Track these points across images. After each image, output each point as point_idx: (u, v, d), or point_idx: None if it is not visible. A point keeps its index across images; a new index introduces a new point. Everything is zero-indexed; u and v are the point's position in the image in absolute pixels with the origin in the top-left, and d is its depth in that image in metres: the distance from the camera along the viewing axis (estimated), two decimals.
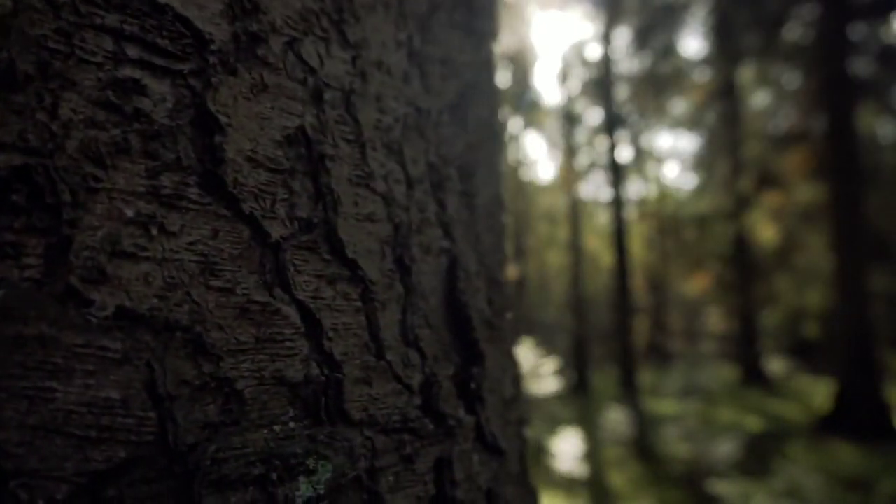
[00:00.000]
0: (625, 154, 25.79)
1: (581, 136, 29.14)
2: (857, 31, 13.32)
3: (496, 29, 0.68)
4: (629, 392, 11.20)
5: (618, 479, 8.10)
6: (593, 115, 19.51)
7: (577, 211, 14.86)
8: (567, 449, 7.69)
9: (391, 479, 0.46)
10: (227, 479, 0.36)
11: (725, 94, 16.16)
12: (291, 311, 0.42)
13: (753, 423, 10.74)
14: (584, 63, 13.83)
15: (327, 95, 0.47)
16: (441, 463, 0.48)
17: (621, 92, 17.17)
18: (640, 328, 25.97)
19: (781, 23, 13.63)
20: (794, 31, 14.30)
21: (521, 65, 18.71)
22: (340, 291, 0.46)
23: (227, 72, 0.40)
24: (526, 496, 0.56)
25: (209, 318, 0.38)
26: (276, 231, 0.42)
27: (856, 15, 11.94)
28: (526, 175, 27.01)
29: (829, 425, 9.84)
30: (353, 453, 0.42)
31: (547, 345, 19.37)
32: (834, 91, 10.83)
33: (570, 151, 15.45)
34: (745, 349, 16.29)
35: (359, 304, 0.47)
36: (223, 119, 0.40)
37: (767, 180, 15.64)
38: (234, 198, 0.40)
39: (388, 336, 0.48)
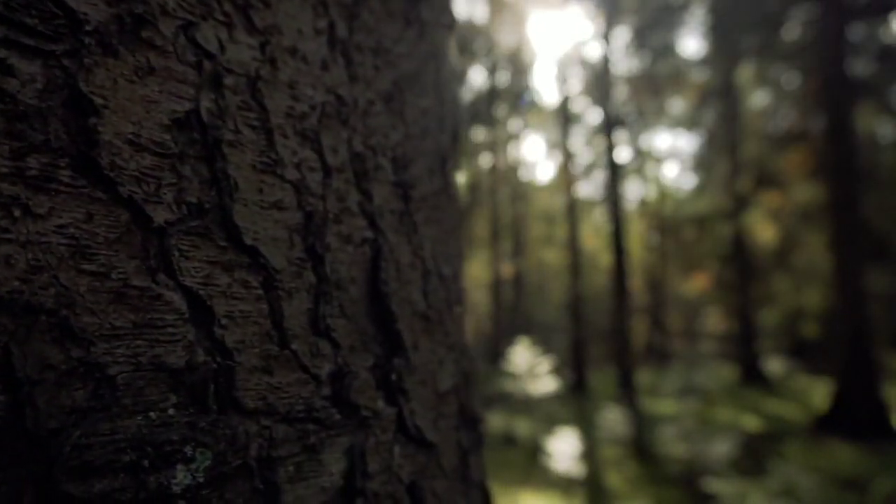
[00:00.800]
0: (624, 154, 25.79)
1: (580, 136, 29.15)
2: (855, 31, 13.31)
3: (448, 19, 0.67)
4: (627, 392, 11.19)
5: (615, 478, 8.09)
6: (592, 115, 19.52)
7: (574, 211, 14.85)
8: (564, 448, 7.68)
9: (291, 468, 0.45)
10: (91, 466, 0.35)
11: (724, 94, 16.15)
12: (175, 297, 0.42)
13: (751, 423, 10.73)
14: (583, 63, 13.82)
15: (228, 80, 0.46)
16: (352, 454, 0.47)
17: (620, 92, 17.17)
18: (639, 328, 25.96)
19: (780, 23, 13.62)
20: (793, 31, 14.30)
21: (519, 64, 18.72)
22: (238, 279, 0.45)
23: (106, 53, 0.40)
24: (466, 492, 0.55)
25: (79, 302, 0.37)
26: (160, 215, 0.41)
27: (854, 15, 11.92)
28: (525, 175, 27.04)
29: (827, 425, 9.83)
30: (235, 441, 0.42)
31: (546, 344, 19.36)
32: (832, 91, 10.81)
33: (569, 151, 15.44)
34: (743, 349, 16.28)
35: (260, 291, 0.46)
36: (98, 101, 0.39)
37: (766, 180, 15.63)
38: (112, 181, 0.39)
39: (293, 325, 0.47)
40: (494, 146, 22.48)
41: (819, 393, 12.80)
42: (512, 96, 19.54)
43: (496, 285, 23.40)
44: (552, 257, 25.03)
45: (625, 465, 8.58)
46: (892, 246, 15.83)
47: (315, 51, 0.52)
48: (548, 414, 11.87)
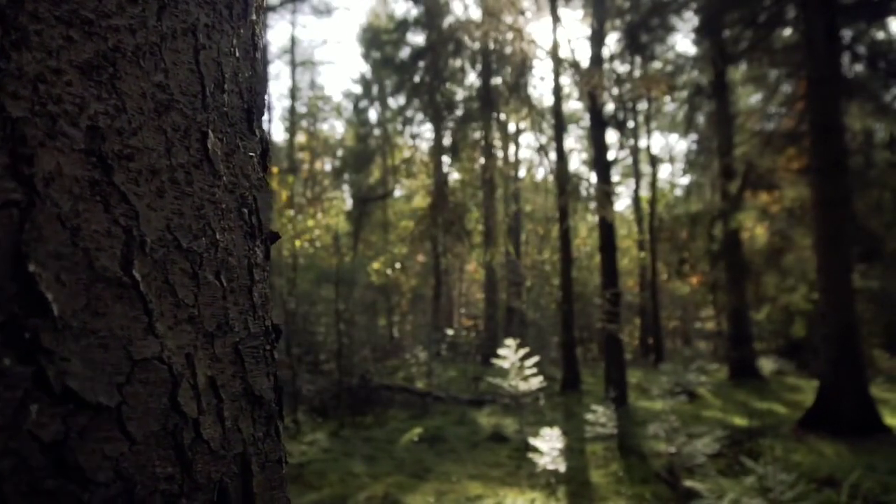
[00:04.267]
0: (618, 154, 25.79)
1: (574, 135, 29.14)
2: (846, 29, 13.32)
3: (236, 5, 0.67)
4: (618, 390, 11.22)
5: (599, 475, 8.13)
6: (585, 115, 19.53)
7: (566, 210, 14.85)
8: (549, 446, 7.71)
9: None
10: None
11: (715, 94, 16.17)
12: None
13: (738, 421, 10.76)
14: (576, 62, 13.84)
15: None
16: None
17: (613, 91, 17.18)
18: (633, 327, 25.96)
19: (770, 21, 13.63)
20: (784, 30, 14.31)
21: (513, 64, 18.74)
22: None
23: None
24: (148, 459, 0.53)
25: None
26: None
27: (843, 13, 11.95)
28: (520, 175, 27.06)
29: (813, 422, 9.86)
30: None
31: (541, 344, 19.40)
32: (821, 90, 10.84)
33: (562, 151, 15.45)
34: (735, 348, 16.30)
35: None
36: None
37: (758, 180, 15.64)
38: None
39: None
40: (488, 146, 22.50)
41: (809, 391, 12.82)
42: (506, 96, 19.56)
43: (490, 285, 23.42)
44: (547, 257, 25.05)
45: (610, 462, 8.62)
46: (885, 245, 15.83)
47: None
48: (537, 412, 11.91)
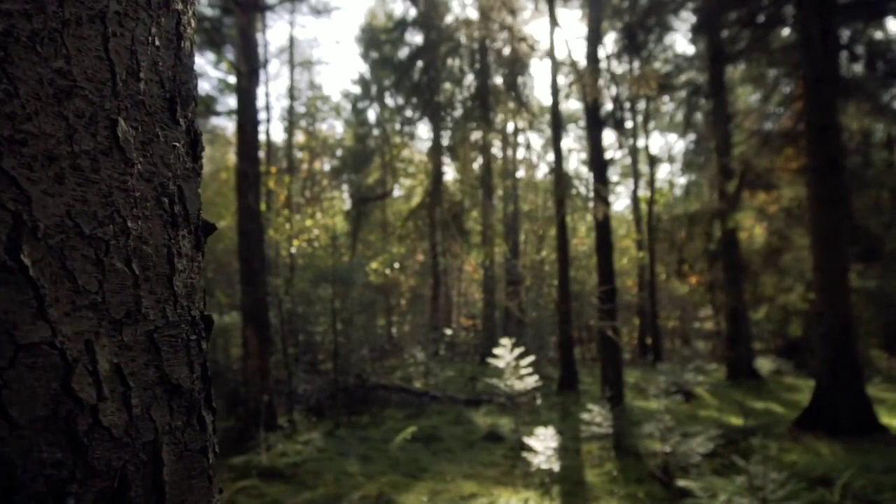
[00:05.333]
0: (616, 154, 25.78)
1: (573, 135, 29.15)
2: (844, 29, 13.31)
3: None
4: (614, 390, 11.21)
5: (593, 474, 8.13)
6: (583, 115, 19.52)
7: (564, 209, 14.85)
8: (544, 445, 7.71)
9: None
10: None
11: (713, 94, 16.16)
12: None
13: (734, 421, 10.74)
14: (573, 62, 13.84)
15: None
16: None
17: (611, 91, 17.18)
18: (631, 327, 25.95)
19: (768, 21, 13.62)
20: (783, 30, 14.29)
21: (510, 64, 18.74)
22: None
23: None
24: (33, 444, 0.52)
25: None
26: None
27: (840, 12, 11.93)
28: (518, 174, 27.07)
29: (809, 422, 9.84)
30: None
31: (539, 342, 19.39)
32: (817, 89, 10.83)
33: (560, 151, 15.45)
34: (733, 348, 16.28)
35: None
36: None
37: (755, 179, 15.62)
38: None
39: None
40: (486, 146, 22.51)
41: (806, 391, 12.80)
42: (503, 96, 19.56)
43: (488, 285, 23.42)
44: (545, 255, 25.04)
45: (605, 462, 8.61)
46: (883, 245, 15.81)
47: None
48: (534, 412, 11.91)
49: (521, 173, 28.46)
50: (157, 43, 0.67)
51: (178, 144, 0.70)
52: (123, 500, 0.56)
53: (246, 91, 10.67)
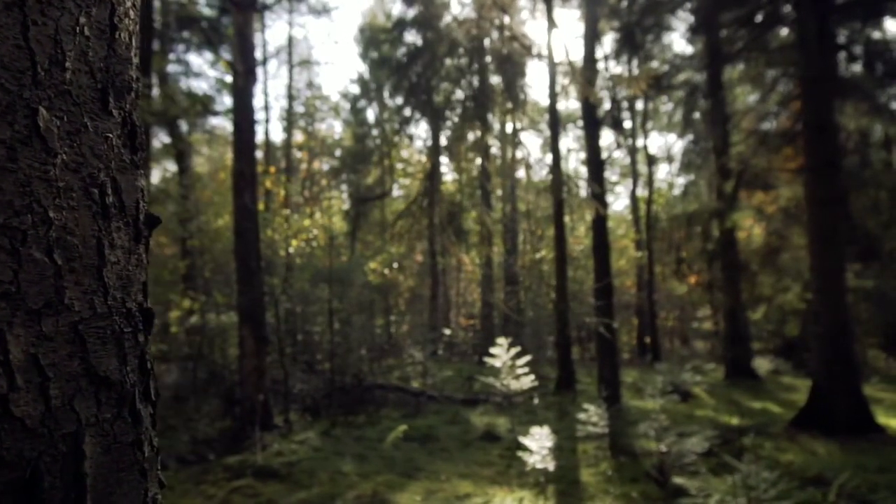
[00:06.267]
0: (616, 154, 25.76)
1: (572, 135, 29.12)
2: (842, 29, 13.28)
3: None
4: (611, 389, 11.21)
5: (588, 474, 8.12)
6: (581, 115, 19.49)
7: (561, 209, 14.85)
8: (539, 445, 7.71)
9: None
10: None
11: (711, 94, 16.14)
12: None
13: (731, 420, 10.73)
14: (571, 62, 13.82)
15: None
16: None
17: (606, 90, 17.17)
18: (630, 327, 25.94)
19: (766, 21, 13.60)
20: (781, 30, 14.27)
21: (509, 64, 18.72)
22: None
23: None
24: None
25: None
26: None
27: (837, 12, 11.92)
28: (517, 174, 27.04)
29: (805, 421, 9.84)
30: None
31: (537, 342, 19.39)
32: (814, 89, 10.82)
33: (558, 150, 15.44)
34: (731, 348, 16.28)
35: None
36: None
37: (753, 179, 15.61)
38: None
39: None
40: (485, 146, 22.48)
41: (804, 391, 12.79)
42: (501, 96, 19.54)
43: (487, 285, 23.42)
44: (544, 255, 25.02)
45: (600, 461, 8.61)
46: (882, 245, 15.79)
47: None
48: (530, 411, 11.91)
49: (519, 173, 28.44)
50: (87, 33, 0.67)
51: (111, 136, 0.70)
52: (36, 491, 0.56)
53: (242, 90, 10.68)
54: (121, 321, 0.69)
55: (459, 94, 22.29)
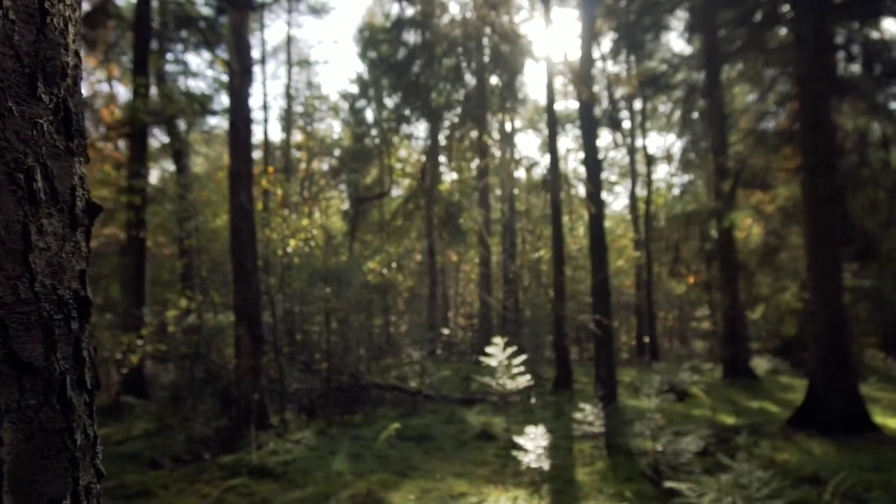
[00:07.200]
0: (614, 153, 25.76)
1: (571, 135, 29.10)
2: (841, 29, 13.26)
3: None
4: (607, 388, 11.19)
5: (583, 473, 8.11)
6: (579, 114, 19.49)
7: (559, 208, 14.85)
8: (534, 444, 7.70)
9: None
10: None
11: (709, 94, 16.12)
12: None
13: (726, 419, 10.73)
14: (569, 62, 13.82)
15: None
16: None
17: (602, 90, 17.16)
18: (629, 327, 25.92)
19: (765, 20, 13.59)
20: (779, 29, 14.25)
21: (508, 65, 18.73)
22: None
23: None
24: None
25: None
26: None
27: (835, 12, 11.90)
28: (515, 175, 27.01)
29: (802, 420, 9.82)
30: None
31: (536, 342, 19.36)
32: (811, 88, 10.81)
33: (556, 150, 15.43)
34: (729, 347, 16.26)
35: None
36: None
37: (751, 179, 15.59)
38: None
39: None
40: (483, 145, 22.48)
41: (801, 391, 12.78)
42: (500, 96, 19.55)
43: (485, 284, 23.41)
44: (543, 254, 25.00)
45: (596, 461, 8.60)
46: (880, 245, 15.76)
47: None
48: (527, 411, 11.90)
49: (518, 173, 28.41)
50: (12, 17, 0.66)
51: (41, 121, 0.69)
52: None
53: (239, 89, 10.67)
54: (50, 308, 0.68)
55: (457, 93, 22.32)
